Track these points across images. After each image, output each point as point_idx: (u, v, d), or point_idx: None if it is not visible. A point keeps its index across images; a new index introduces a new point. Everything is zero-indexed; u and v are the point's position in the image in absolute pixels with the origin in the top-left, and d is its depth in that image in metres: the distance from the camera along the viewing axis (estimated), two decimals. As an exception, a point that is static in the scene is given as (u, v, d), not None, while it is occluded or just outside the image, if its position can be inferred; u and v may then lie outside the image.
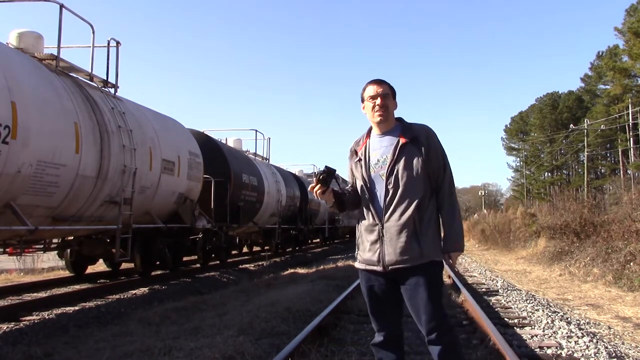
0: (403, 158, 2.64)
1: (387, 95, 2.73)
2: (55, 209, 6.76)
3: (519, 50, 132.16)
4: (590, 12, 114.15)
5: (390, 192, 2.63)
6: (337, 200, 2.78)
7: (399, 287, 2.70)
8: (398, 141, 2.67)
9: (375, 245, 2.66)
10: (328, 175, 2.67)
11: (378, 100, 2.71)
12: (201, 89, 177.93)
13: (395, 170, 2.63)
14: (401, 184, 2.61)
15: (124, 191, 7.96)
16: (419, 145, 2.66)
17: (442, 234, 2.73)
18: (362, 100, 2.80)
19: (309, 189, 2.69)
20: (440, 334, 2.59)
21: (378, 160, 2.70)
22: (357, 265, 2.82)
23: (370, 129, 2.83)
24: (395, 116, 2.81)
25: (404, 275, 2.64)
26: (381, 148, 2.72)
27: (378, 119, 2.72)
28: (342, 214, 26.47)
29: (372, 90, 2.75)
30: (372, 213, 2.68)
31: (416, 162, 2.63)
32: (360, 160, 2.75)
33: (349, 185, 2.88)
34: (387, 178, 2.64)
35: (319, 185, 2.67)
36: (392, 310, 2.77)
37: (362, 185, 2.73)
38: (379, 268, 2.66)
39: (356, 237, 2.84)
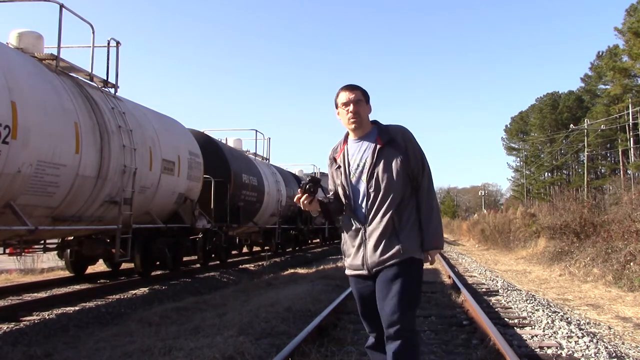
0: (382, 161, 2.65)
1: (359, 101, 2.73)
2: (55, 209, 6.76)
3: (519, 51, 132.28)
4: (590, 13, 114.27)
5: (372, 195, 2.64)
6: (323, 209, 2.77)
7: None
8: (376, 145, 2.69)
9: (359, 249, 2.69)
10: (314, 185, 2.68)
11: (351, 107, 2.71)
12: (201, 89, 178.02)
13: (375, 173, 2.64)
14: (382, 186, 2.63)
15: (124, 191, 7.96)
16: (397, 146, 2.68)
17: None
18: (336, 107, 2.81)
19: (295, 199, 2.88)
20: (400, 330, 2.52)
21: (358, 166, 2.71)
22: (347, 272, 2.84)
23: (346, 135, 2.85)
24: (371, 119, 2.82)
25: (383, 271, 2.66)
26: (359, 153, 2.73)
27: (352, 125, 2.74)
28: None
29: (344, 97, 2.75)
30: (355, 218, 2.71)
31: (395, 164, 2.65)
32: (339, 167, 2.77)
33: (331, 193, 2.88)
34: (368, 182, 2.65)
35: (306, 195, 2.67)
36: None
37: (343, 192, 2.75)
38: (364, 272, 2.68)
39: (341, 244, 2.86)
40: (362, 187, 2.68)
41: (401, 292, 2.56)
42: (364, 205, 2.68)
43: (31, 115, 5.96)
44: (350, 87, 2.77)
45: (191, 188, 10.57)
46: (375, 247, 2.62)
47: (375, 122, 2.82)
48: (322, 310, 5.90)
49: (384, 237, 2.61)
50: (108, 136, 7.55)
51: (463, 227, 46.35)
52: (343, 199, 2.77)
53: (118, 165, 7.74)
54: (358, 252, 2.69)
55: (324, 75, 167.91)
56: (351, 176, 2.72)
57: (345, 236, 2.80)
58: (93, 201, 7.42)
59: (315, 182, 2.68)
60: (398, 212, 2.63)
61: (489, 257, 20.96)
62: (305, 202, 2.68)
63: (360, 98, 2.74)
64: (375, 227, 2.63)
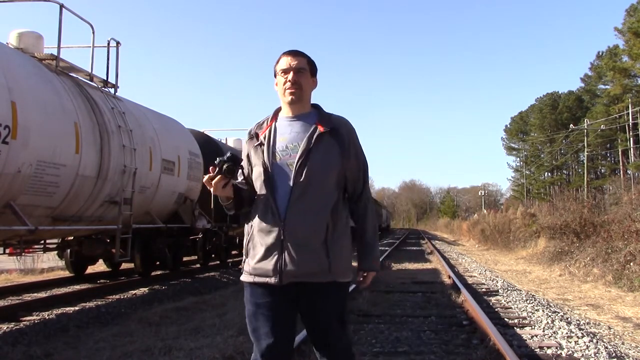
0: (319, 149, 2.15)
1: (302, 70, 2.22)
2: (55, 209, 6.76)
3: (519, 51, 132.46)
4: (590, 13, 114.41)
5: (300, 187, 2.11)
6: (237, 197, 2.22)
7: (295, 304, 2.20)
8: (315, 128, 2.18)
9: (272, 251, 2.12)
10: (234, 165, 2.14)
11: (290, 76, 2.20)
12: (201, 89, 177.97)
13: (309, 162, 2.12)
14: (314, 180, 2.12)
15: (124, 191, 7.96)
16: (339, 139, 2.19)
17: (357, 249, 2.32)
18: (275, 75, 2.28)
19: (204, 179, 2.17)
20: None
21: (286, 147, 2.18)
22: (243, 277, 2.26)
23: (277, 111, 2.32)
24: (313, 102, 2.33)
25: (304, 292, 2.16)
26: (291, 133, 2.20)
27: (289, 98, 2.21)
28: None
29: (285, 62, 2.23)
30: (271, 210, 2.13)
31: (334, 158, 2.17)
32: (261, 144, 2.22)
33: (241, 178, 2.34)
34: (297, 170, 2.12)
35: (220, 176, 2.12)
36: (283, 332, 2.19)
37: (261, 175, 2.18)
38: (273, 280, 2.12)
39: (244, 242, 2.26)
40: (288, 174, 2.14)
41: (336, 325, 2.21)
42: (286, 196, 2.12)
43: (31, 115, 5.96)
44: (293, 52, 2.26)
45: (191, 188, 10.57)
46: (298, 254, 2.09)
47: (316, 106, 2.32)
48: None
49: (312, 245, 2.10)
50: (108, 136, 7.55)
51: (463, 227, 46.31)
52: (258, 185, 2.21)
53: (118, 165, 7.74)
54: (270, 255, 2.12)
55: (324, 75, 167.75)
56: (275, 157, 2.18)
57: (252, 231, 2.21)
58: (93, 201, 7.42)
59: (236, 162, 2.15)
60: (333, 218, 2.15)
61: (489, 257, 20.95)
62: (218, 184, 2.12)
63: (303, 67, 2.23)
64: (301, 228, 2.10)
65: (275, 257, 2.11)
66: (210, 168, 2.14)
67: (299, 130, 2.20)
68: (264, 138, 2.23)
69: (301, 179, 2.12)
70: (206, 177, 2.14)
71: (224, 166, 2.11)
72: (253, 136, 2.27)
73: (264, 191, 2.17)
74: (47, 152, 6.19)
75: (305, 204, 2.12)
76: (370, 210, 2.30)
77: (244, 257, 2.26)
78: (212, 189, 2.14)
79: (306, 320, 2.22)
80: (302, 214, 2.11)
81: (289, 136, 2.20)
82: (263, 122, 2.31)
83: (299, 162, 2.13)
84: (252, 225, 2.22)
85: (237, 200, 2.22)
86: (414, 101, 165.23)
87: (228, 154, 2.15)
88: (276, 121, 2.28)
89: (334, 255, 2.13)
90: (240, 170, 2.22)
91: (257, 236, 2.18)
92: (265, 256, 2.14)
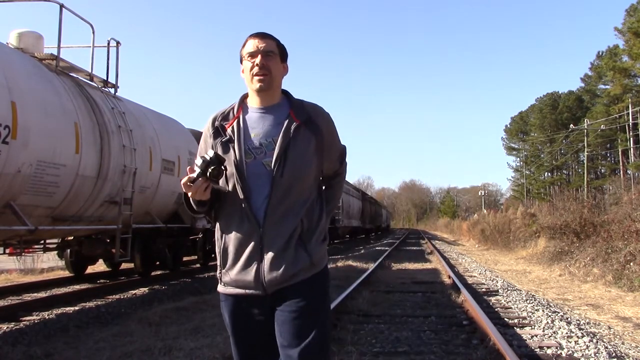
0: (298, 145, 1.94)
1: (270, 53, 2.00)
2: (55, 209, 6.76)
3: (519, 51, 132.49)
4: (590, 13, 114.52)
5: (281, 189, 1.91)
6: (210, 202, 1.98)
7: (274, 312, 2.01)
8: (290, 121, 1.96)
9: (251, 260, 1.93)
10: (220, 167, 1.88)
11: (258, 59, 1.98)
12: (201, 89, 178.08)
13: (289, 159, 1.92)
14: (294, 180, 1.93)
15: (124, 191, 7.96)
16: (315, 129, 1.99)
17: None
18: (241, 61, 2.06)
19: (184, 180, 1.85)
20: None
21: (261, 145, 1.95)
22: (221, 288, 2.03)
23: (243, 99, 2.09)
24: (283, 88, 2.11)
25: (287, 294, 1.94)
26: (264, 127, 1.98)
27: (257, 85, 1.98)
28: (341, 214, 26.35)
29: (252, 45, 2.00)
30: (247, 217, 1.92)
31: (312, 151, 1.98)
32: (231, 141, 1.97)
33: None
34: (276, 169, 1.91)
35: (203, 179, 1.86)
36: (271, 347, 2.00)
37: (233, 176, 1.94)
38: (257, 292, 1.94)
39: (217, 250, 2.03)
40: (265, 175, 1.92)
41: (319, 321, 1.92)
42: (264, 199, 1.91)
43: (31, 115, 5.96)
44: (260, 35, 2.03)
45: (191, 188, 10.55)
46: (277, 260, 1.91)
47: (286, 93, 2.09)
48: (322, 310, 5.88)
49: (289, 247, 1.92)
50: (108, 136, 7.55)
51: (463, 227, 46.31)
52: (230, 187, 1.97)
53: (118, 165, 7.74)
54: (250, 265, 1.93)
55: (324, 75, 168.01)
56: (248, 156, 1.95)
57: (225, 239, 1.99)
58: (93, 201, 7.42)
59: (221, 163, 1.89)
60: (308, 214, 1.97)
61: (488, 257, 20.94)
62: (201, 188, 1.86)
63: (272, 49, 2.01)
64: (279, 233, 1.91)
65: (255, 266, 1.92)
66: (188, 169, 1.87)
67: (272, 123, 1.98)
68: (232, 132, 1.98)
69: (281, 181, 1.91)
70: (185, 179, 1.87)
71: (210, 169, 1.85)
72: (218, 130, 2.01)
73: (237, 195, 1.94)
74: (47, 152, 6.19)
75: (286, 207, 1.92)
76: (340, 182, 2.21)
77: (219, 267, 2.03)
78: (190, 193, 1.88)
79: (288, 319, 1.93)
80: (281, 218, 1.92)
81: (262, 130, 1.98)
82: (228, 112, 2.05)
83: (278, 162, 1.91)
84: (222, 233, 2.01)
85: (210, 207, 2.00)
86: (414, 101, 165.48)
87: (211, 154, 1.88)
88: (244, 112, 2.04)
89: (312, 247, 1.96)
90: (224, 171, 1.93)
91: (232, 245, 1.97)
92: (245, 266, 1.94)
